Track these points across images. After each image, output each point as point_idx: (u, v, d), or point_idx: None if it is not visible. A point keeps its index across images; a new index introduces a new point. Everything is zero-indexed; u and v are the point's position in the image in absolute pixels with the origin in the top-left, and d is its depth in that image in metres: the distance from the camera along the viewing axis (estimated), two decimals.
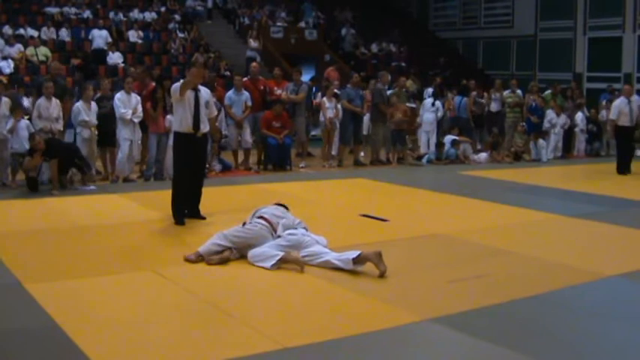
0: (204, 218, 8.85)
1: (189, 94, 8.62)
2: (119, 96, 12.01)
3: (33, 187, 10.71)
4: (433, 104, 16.64)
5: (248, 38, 21.90)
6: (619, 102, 15.02)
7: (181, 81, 8.88)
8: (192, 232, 8.22)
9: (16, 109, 11.34)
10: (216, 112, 9.87)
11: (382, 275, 6.44)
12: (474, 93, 17.48)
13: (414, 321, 5.36)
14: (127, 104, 11.93)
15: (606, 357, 4.84)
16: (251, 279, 6.47)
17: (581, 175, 14.67)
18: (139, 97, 12.15)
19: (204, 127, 8.80)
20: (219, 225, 7.51)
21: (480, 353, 4.86)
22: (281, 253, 6.69)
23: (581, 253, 7.72)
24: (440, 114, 16.75)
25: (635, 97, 18.08)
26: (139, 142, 12.39)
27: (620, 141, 15.12)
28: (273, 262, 6.63)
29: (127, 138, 11.96)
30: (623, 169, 14.70)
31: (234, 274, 6.58)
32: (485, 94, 18.01)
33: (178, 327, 5.21)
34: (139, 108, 12.02)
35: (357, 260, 6.56)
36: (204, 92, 8.92)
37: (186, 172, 8.77)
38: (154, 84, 12.56)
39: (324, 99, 14.95)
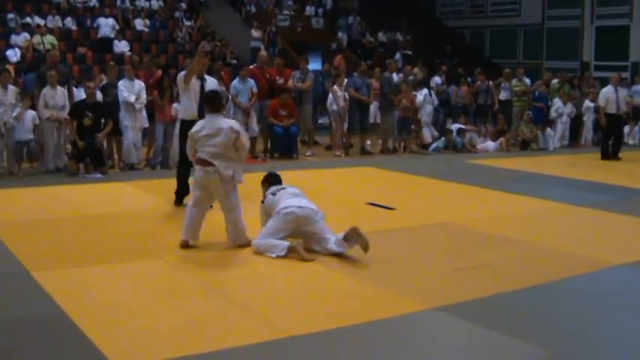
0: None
1: (195, 83, 8.67)
2: (123, 82, 12.06)
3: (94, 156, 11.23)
4: (430, 95, 16.61)
5: (255, 29, 21.79)
6: (606, 90, 15.40)
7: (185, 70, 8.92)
8: None
9: (25, 97, 11.34)
10: (222, 102, 9.86)
11: (366, 248, 6.47)
12: (479, 81, 17.48)
13: (419, 309, 5.36)
14: (131, 90, 11.96)
15: (615, 346, 4.84)
16: (257, 267, 6.47)
17: (588, 164, 14.63)
18: (142, 84, 12.17)
19: None
20: None
21: (486, 342, 4.85)
22: (287, 243, 6.68)
23: (588, 242, 7.70)
24: (435, 103, 16.74)
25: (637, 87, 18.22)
26: (140, 129, 12.34)
27: (606, 128, 15.34)
28: (280, 253, 6.60)
29: (128, 125, 11.97)
30: (609, 154, 15.05)
31: (240, 262, 6.59)
32: (491, 82, 18.02)
33: (184, 314, 5.22)
34: (143, 94, 12.04)
35: (346, 238, 6.60)
36: (211, 82, 9.02)
37: None
38: (160, 72, 12.55)
39: (335, 87, 14.99)
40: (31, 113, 11.30)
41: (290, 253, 6.61)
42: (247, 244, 6.94)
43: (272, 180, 7.53)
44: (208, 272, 6.30)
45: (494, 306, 5.49)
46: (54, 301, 5.31)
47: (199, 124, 7.15)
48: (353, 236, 6.57)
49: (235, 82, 13.92)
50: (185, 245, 6.92)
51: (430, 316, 5.27)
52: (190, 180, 8.17)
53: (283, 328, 4.90)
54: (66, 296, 5.42)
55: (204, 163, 6.87)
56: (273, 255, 6.62)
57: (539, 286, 5.99)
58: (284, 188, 7.18)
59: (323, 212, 7.02)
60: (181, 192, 8.99)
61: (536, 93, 17.61)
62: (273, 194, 7.09)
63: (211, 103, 7.19)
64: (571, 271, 6.46)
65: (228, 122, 7.08)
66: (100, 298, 5.48)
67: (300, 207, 6.83)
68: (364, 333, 4.89)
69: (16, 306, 5.33)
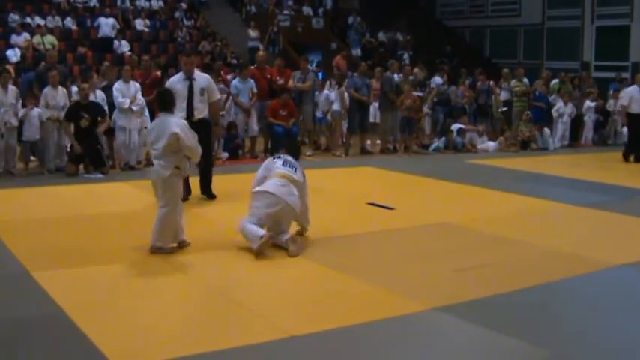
0: (214, 197, 9.13)
1: (182, 85, 8.77)
2: (117, 85, 12.02)
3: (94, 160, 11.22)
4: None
5: (252, 29, 21.84)
6: (631, 89, 15.28)
7: (177, 74, 9.11)
8: (196, 222, 8.22)
9: (29, 96, 11.35)
10: (218, 96, 9.85)
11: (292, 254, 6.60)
12: (479, 82, 17.54)
13: (419, 309, 5.36)
14: (126, 93, 11.92)
15: (615, 346, 4.83)
16: (257, 267, 6.46)
17: (588, 164, 14.62)
18: (138, 85, 12.14)
19: (199, 114, 8.96)
20: (225, 213, 7.50)
21: (486, 342, 4.86)
22: (262, 232, 6.66)
23: (589, 242, 7.70)
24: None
25: None
26: (138, 129, 12.30)
27: (630, 128, 15.30)
28: (253, 245, 6.62)
29: (122, 126, 11.96)
30: (629, 156, 14.78)
31: (240, 263, 6.58)
32: (492, 82, 18.06)
33: (186, 314, 5.23)
34: (139, 96, 12.02)
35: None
36: (201, 80, 9.02)
37: None
38: (159, 73, 12.52)
39: (343, 87, 15.06)
40: (37, 111, 11.29)
41: (267, 244, 6.62)
42: (158, 249, 6.76)
43: (289, 150, 7.73)
44: (208, 272, 6.30)
45: (494, 306, 5.49)
46: (54, 301, 5.32)
47: (151, 125, 7.26)
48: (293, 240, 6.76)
49: (235, 82, 13.94)
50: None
51: (430, 316, 5.27)
52: None
53: (283, 328, 4.90)
54: (66, 296, 5.42)
55: (150, 163, 6.94)
56: (253, 246, 6.62)
57: (539, 286, 5.99)
58: (294, 169, 7.22)
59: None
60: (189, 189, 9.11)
61: (536, 93, 17.62)
62: (278, 158, 7.26)
63: (162, 102, 6.99)
64: (571, 271, 6.46)
65: (172, 125, 6.70)
66: (100, 298, 5.49)
67: (287, 203, 6.87)
68: (364, 333, 4.89)
69: (16, 306, 5.33)
